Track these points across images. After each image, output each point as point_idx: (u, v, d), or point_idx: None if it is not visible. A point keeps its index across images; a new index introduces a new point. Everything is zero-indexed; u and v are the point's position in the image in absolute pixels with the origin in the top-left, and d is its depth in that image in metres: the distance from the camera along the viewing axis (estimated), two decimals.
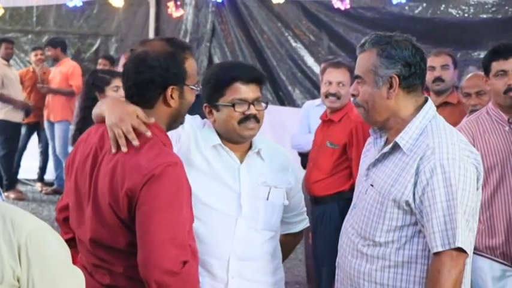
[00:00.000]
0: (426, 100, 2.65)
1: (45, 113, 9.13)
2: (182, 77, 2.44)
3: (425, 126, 2.57)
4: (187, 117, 2.88)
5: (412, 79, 2.60)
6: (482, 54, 5.49)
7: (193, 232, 2.48)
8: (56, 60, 9.27)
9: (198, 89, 2.54)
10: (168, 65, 2.40)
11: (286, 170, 2.95)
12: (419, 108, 2.61)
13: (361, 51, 2.66)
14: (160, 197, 2.29)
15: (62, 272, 1.93)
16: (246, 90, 2.78)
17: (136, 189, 2.29)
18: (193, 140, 2.84)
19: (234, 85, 2.78)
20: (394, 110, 2.61)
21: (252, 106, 2.78)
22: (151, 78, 2.40)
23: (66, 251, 1.97)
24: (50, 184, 9.47)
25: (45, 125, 9.19)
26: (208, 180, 2.81)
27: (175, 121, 2.52)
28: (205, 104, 2.87)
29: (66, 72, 9.08)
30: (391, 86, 2.58)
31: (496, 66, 3.70)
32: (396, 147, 2.59)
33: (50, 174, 9.55)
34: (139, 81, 2.42)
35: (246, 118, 2.77)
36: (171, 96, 2.43)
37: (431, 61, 5.04)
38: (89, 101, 4.19)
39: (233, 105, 2.77)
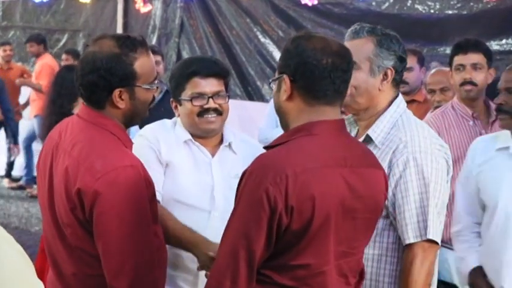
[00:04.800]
0: (397, 94, 2.69)
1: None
2: (130, 78, 2.33)
3: (396, 120, 2.60)
4: (149, 128, 2.89)
5: (401, 74, 2.65)
6: (448, 50, 5.55)
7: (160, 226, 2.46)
8: (37, 56, 9.29)
9: (154, 87, 2.42)
10: (111, 67, 2.30)
11: None
12: (391, 102, 2.64)
13: (355, 37, 2.61)
14: (118, 206, 2.22)
15: (18, 286, 1.83)
16: (205, 84, 2.82)
17: (87, 191, 2.22)
18: (163, 143, 2.84)
19: (193, 79, 2.83)
20: (376, 100, 2.62)
21: (211, 100, 2.81)
22: (95, 82, 2.32)
23: (25, 263, 1.78)
24: (18, 180, 9.40)
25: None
26: (181, 177, 2.82)
27: (132, 119, 2.44)
28: (171, 99, 2.92)
29: (38, 70, 9.11)
30: (385, 77, 2.60)
31: (456, 60, 3.79)
32: (368, 140, 2.60)
33: (17, 170, 9.48)
34: (84, 83, 2.36)
35: (205, 111, 2.81)
36: (120, 98, 2.34)
37: None
38: (62, 97, 4.13)
39: (191, 100, 2.81)
